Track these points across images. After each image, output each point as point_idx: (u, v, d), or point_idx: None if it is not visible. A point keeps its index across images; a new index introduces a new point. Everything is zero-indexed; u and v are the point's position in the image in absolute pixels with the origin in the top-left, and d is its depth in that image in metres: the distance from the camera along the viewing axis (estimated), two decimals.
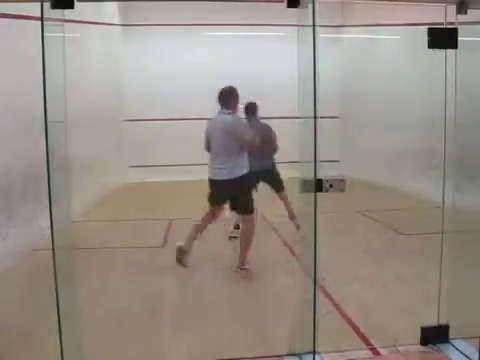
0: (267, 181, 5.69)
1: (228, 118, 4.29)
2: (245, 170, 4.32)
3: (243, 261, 4.42)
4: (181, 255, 4.36)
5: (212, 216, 4.57)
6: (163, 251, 5.26)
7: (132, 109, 10.79)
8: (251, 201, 4.44)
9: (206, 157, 4.50)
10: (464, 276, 2.81)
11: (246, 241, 4.40)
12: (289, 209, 5.87)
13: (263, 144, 5.48)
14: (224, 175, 4.27)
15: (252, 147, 4.36)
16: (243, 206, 4.41)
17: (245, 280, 4.29)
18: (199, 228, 4.52)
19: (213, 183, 4.39)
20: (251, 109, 5.71)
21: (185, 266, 4.38)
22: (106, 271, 4.55)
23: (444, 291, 2.84)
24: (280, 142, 5.78)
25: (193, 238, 4.46)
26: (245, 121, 4.70)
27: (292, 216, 5.80)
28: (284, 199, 5.87)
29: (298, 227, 5.50)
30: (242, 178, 4.28)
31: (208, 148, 4.50)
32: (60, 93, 2.36)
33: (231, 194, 4.37)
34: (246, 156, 4.36)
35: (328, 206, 2.77)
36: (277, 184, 5.84)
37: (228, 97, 4.37)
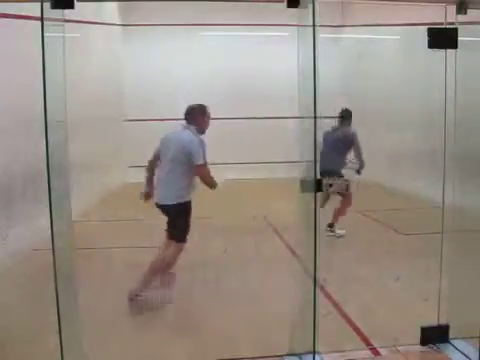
0: None
1: (184, 134, 3.82)
2: (187, 197, 3.81)
3: (141, 288, 3.76)
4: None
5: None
6: None
7: (133, 109, 10.78)
8: (185, 230, 3.85)
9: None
10: (464, 276, 2.80)
11: (159, 268, 3.85)
12: (339, 207, 5.76)
13: (336, 149, 5.50)
14: (164, 200, 3.84)
15: (201, 172, 3.74)
16: (175, 233, 3.85)
17: (246, 280, 4.27)
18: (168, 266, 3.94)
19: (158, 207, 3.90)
20: (347, 115, 5.79)
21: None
22: (106, 271, 4.55)
23: (444, 291, 2.84)
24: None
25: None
26: (200, 143, 3.78)
27: (336, 214, 5.71)
28: (345, 198, 5.71)
29: (330, 225, 5.55)
30: (181, 205, 3.78)
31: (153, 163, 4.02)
32: (60, 93, 2.37)
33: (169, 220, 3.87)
34: (190, 181, 3.80)
35: (328, 206, 2.77)
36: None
37: (192, 112, 3.89)
